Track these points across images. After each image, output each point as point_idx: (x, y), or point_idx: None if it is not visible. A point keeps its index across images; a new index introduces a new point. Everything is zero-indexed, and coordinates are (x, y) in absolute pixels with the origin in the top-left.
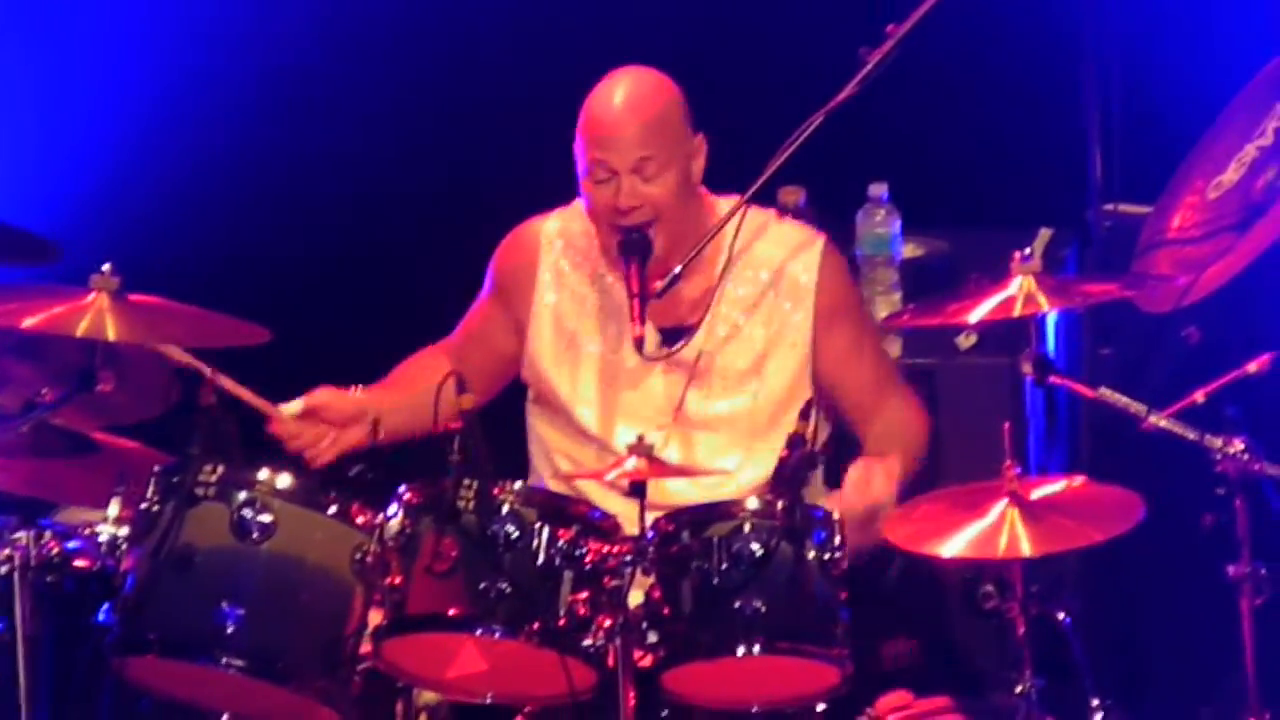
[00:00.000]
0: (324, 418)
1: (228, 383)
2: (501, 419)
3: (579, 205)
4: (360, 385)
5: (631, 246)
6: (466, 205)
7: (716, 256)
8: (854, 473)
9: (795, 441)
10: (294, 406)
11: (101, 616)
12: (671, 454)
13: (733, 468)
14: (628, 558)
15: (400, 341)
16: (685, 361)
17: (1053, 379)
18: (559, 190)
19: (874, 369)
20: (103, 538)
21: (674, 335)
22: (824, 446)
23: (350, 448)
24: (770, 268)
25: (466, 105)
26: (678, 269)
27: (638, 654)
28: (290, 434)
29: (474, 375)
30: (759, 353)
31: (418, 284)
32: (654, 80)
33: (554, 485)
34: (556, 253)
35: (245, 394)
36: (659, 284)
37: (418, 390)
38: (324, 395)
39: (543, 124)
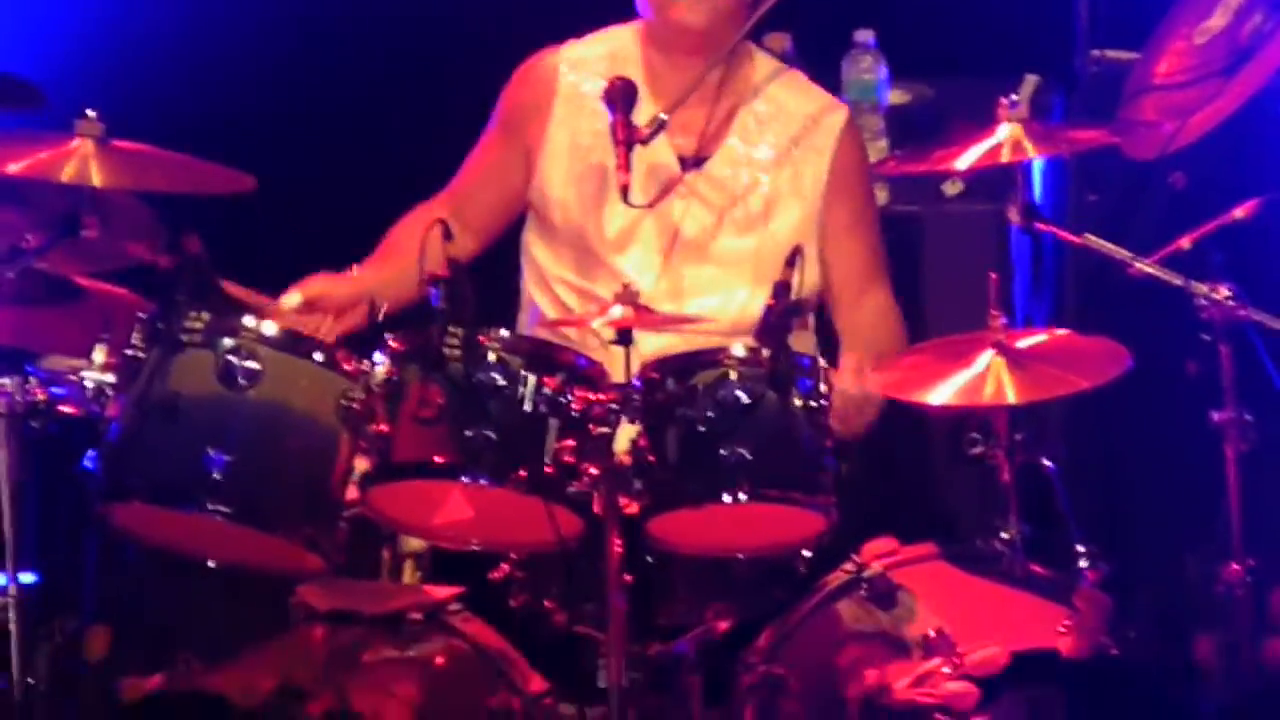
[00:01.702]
0: (322, 307)
1: (230, 286)
2: (490, 275)
3: (595, 34)
4: (355, 265)
5: (614, 94)
6: (457, 52)
7: (740, 88)
8: (848, 360)
9: (781, 289)
10: (292, 300)
11: (86, 463)
12: (664, 286)
13: (720, 304)
14: (614, 406)
15: (389, 193)
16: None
17: (1039, 226)
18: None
19: (867, 255)
20: (88, 384)
21: (693, 163)
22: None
23: (350, 331)
24: (792, 119)
25: None
26: (664, 116)
27: (624, 501)
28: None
29: (477, 217)
30: (767, 197)
31: (409, 135)
32: None
33: (541, 332)
34: (573, 79)
35: (241, 292)
36: (645, 130)
37: (414, 258)
38: (320, 284)
39: None
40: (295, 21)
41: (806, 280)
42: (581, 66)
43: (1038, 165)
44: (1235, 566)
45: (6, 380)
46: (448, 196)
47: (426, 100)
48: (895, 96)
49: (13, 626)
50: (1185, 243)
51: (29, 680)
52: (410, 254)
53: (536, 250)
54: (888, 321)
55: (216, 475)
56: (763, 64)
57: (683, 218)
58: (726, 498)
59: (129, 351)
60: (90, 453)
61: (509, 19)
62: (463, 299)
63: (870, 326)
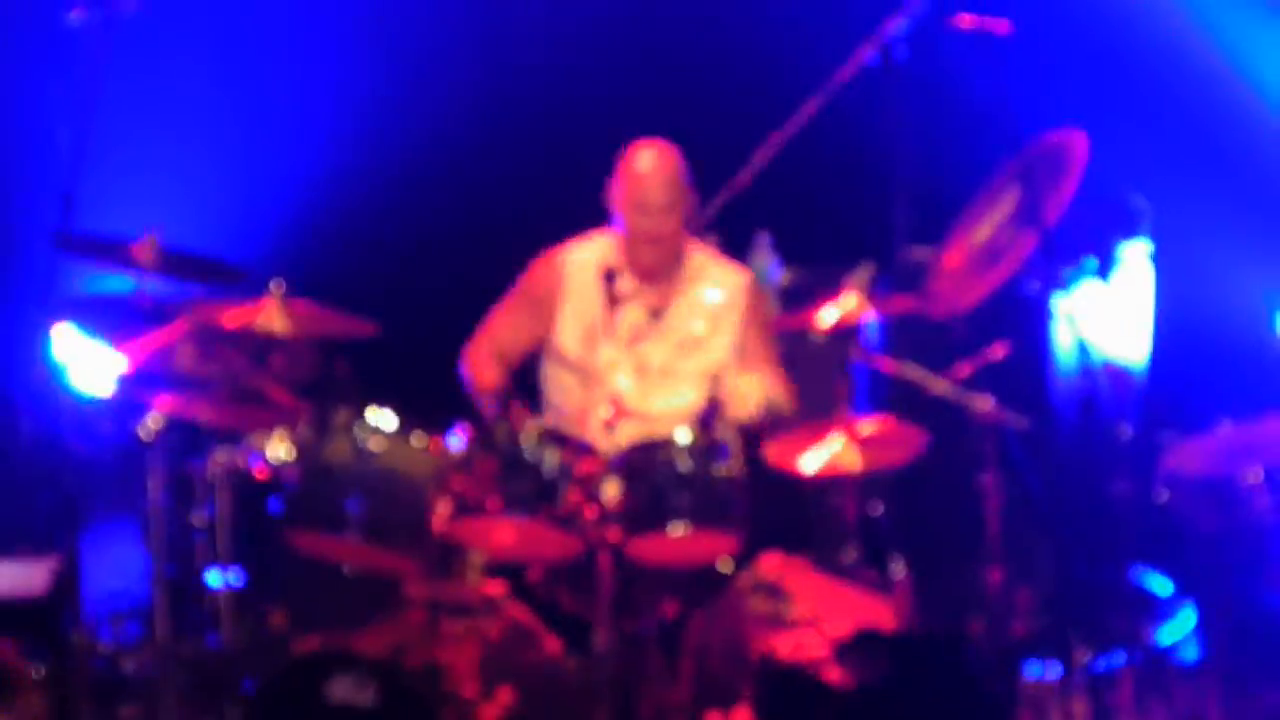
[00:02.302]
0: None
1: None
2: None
3: (588, 240)
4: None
5: (607, 276)
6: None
7: (681, 273)
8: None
9: (710, 402)
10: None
11: (273, 506)
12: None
13: (683, 402)
14: (603, 469)
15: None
16: (658, 328)
17: (873, 358)
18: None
19: (765, 352)
20: (274, 456)
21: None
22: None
23: None
24: (719, 282)
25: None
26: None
27: (610, 531)
28: None
29: (508, 354)
30: (704, 334)
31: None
32: (673, 153)
33: (554, 420)
34: (576, 270)
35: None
36: (624, 293)
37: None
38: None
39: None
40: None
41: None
42: (582, 263)
43: (872, 322)
44: (994, 572)
45: (224, 452)
46: (486, 340)
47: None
48: (783, 277)
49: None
50: (964, 370)
51: (236, 641)
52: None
53: (551, 372)
54: (785, 388)
55: (354, 514)
56: (697, 251)
57: (649, 351)
58: (672, 529)
59: (298, 436)
60: (275, 498)
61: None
62: (507, 407)
63: (775, 384)
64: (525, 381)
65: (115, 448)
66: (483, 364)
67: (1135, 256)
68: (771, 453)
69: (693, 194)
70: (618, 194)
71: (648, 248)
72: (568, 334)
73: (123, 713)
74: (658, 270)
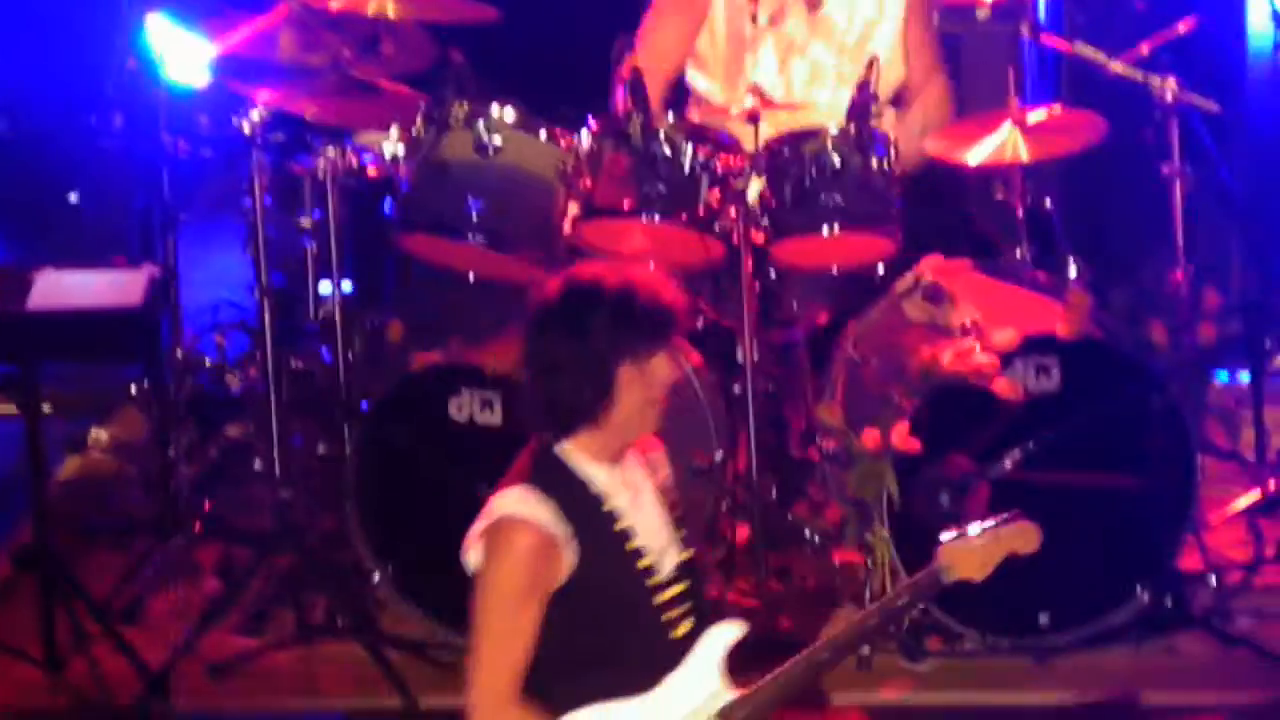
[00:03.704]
0: None
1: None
2: None
3: None
4: None
5: None
6: None
7: None
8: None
9: (863, 85)
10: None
11: (386, 208)
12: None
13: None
14: (747, 167)
15: None
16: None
17: (1043, 37)
18: None
19: (930, 56)
20: (387, 153)
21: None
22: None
23: None
24: None
25: None
26: None
27: (754, 233)
28: None
29: (664, 62)
30: (863, 30)
31: None
32: None
33: (697, 116)
34: None
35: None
36: None
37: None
38: None
39: None
40: None
41: (884, 80)
42: None
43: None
44: (1179, 272)
45: (332, 150)
46: (642, 54)
47: None
48: None
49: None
50: (1144, 49)
51: (349, 355)
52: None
53: (694, 76)
54: (944, 101)
55: (474, 215)
56: None
57: (799, 38)
58: (825, 230)
59: (414, 130)
60: (388, 200)
61: None
62: (641, 97)
63: (934, 104)
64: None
65: (214, 146)
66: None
67: None
68: (931, 145)
69: None
70: None
71: None
72: (716, 31)
73: (228, 430)
74: None
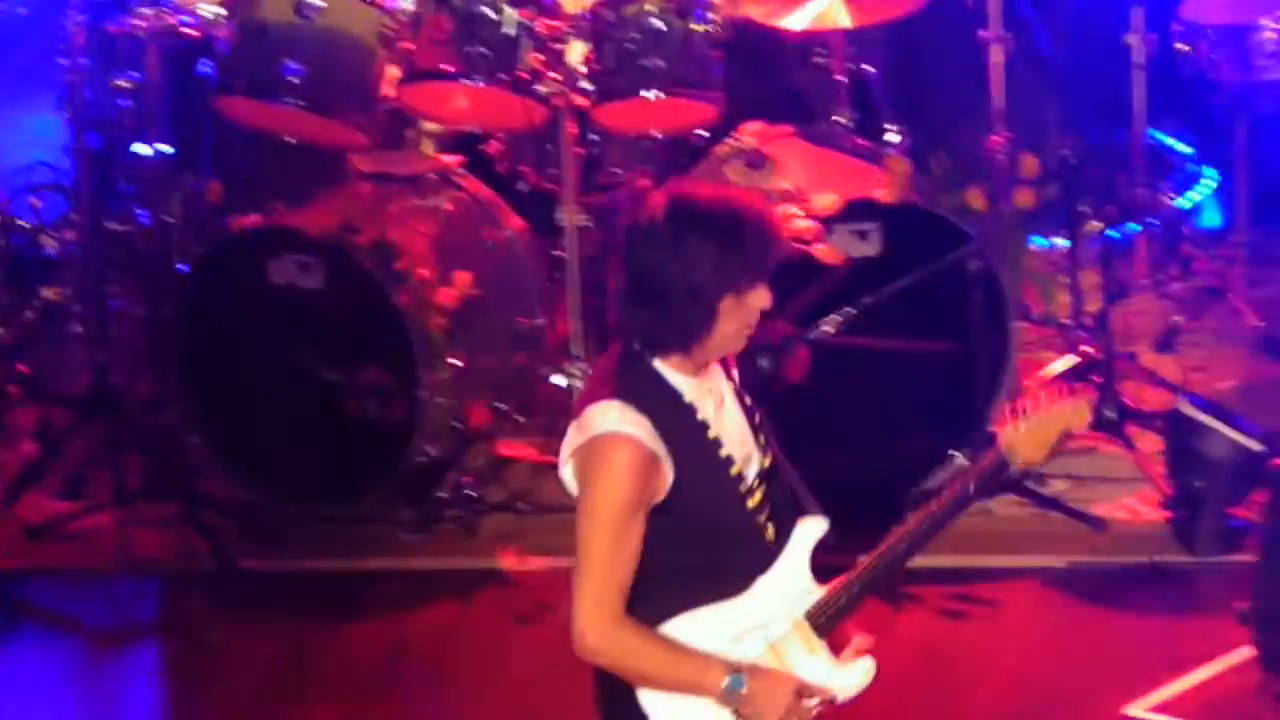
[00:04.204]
0: None
1: None
2: None
3: None
4: None
5: None
6: None
7: None
8: None
9: None
10: None
11: (204, 69)
12: None
13: None
14: (568, 29)
15: None
16: None
17: None
18: None
19: None
20: (206, 15)
21: None
22: None
23: None
24: None
25: None
26: None
27: (576, 97)
28: None
29: None
30: None
31: None
32: None
33: None
34: None
35: None
36: None
37: None
38: None
39: None
40: None
41: None
42: None
43: None
44: (997, 138)
45: (148, 10)
46: None
47: None
48: None
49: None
50: None
51: (167, 217)
52: None
53: None
54: None
55: (293, 78)
56: None
57: None
58: (645, 94)
59: None
60: (207, 62)
61: None
62: None
63: None
64: None
65: (28, 3)
66: None
67: None
68: (753, 9)
69: None
70: None
71: None
72: None
73: (45, 293)
74: None
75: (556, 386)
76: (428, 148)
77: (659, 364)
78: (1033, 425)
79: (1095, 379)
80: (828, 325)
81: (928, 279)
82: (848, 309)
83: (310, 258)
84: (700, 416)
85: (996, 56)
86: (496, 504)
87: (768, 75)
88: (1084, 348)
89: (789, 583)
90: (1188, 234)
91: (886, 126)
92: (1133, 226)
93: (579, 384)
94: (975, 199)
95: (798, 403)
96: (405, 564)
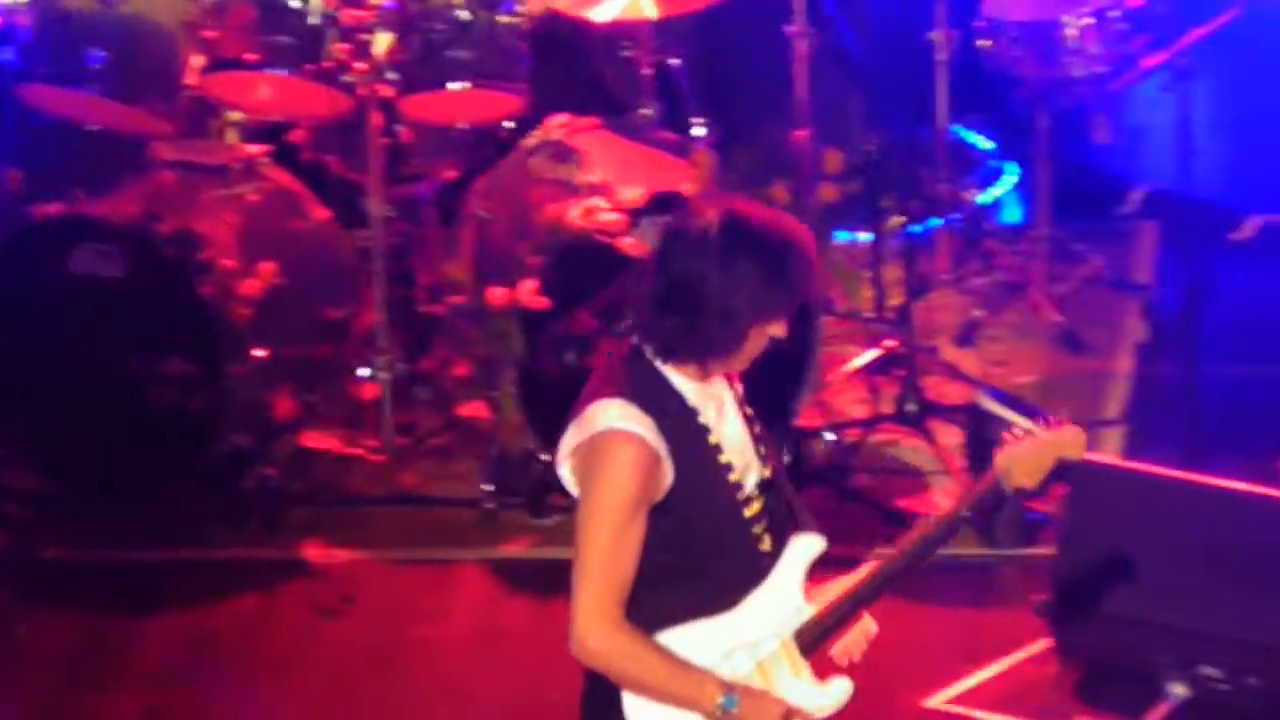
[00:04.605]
0: None
1: None
2: None
3: None
4: None
5: None
6: None
7: None
8: None
9: None
10: None
11: (5, 57)
12: None
13: None
14: (374, 19)
15: None
16: None
17: None
18: None
19: None
20: (5, 0)
21: None
22: None
23: None
24: None
25: None
26: None
27: (382, 87)
28: None
29: None
30: None
31: None
32: None
33: None
34: None
35: None
36: None
37: None
38: None
39: None
40: None
41: None
42: None
43: None
44: (801, 133)
45: None
46: None
47: None
48: None
49: None
50: None
51: None
52: None
53: None
54: None
55: (95, 65)
56: None
57: None
58: (452, 85)
59: None
60: (7, 48)
61: None
62: None
63: None
64: None
65: None
66: None
67: None
68: (559, 1)
69: None
70: None
71: None
72: None
73: None
74: None
75: (362, 378)
76: (232, 137)
77: (665, 368)
78: (1030, 451)
79: (897, 373)
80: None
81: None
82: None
83: (112, 246)
84: (702, 421)
85: (801, 51)
86: (301, 495)
87: (574, 67)
88: (886, 342)
89: (780, 600)
90: (989, 229)
91: (692, 120)
92: (935, 221)
93: (385, 376)
94: (779, 193)
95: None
96: (208, 554)
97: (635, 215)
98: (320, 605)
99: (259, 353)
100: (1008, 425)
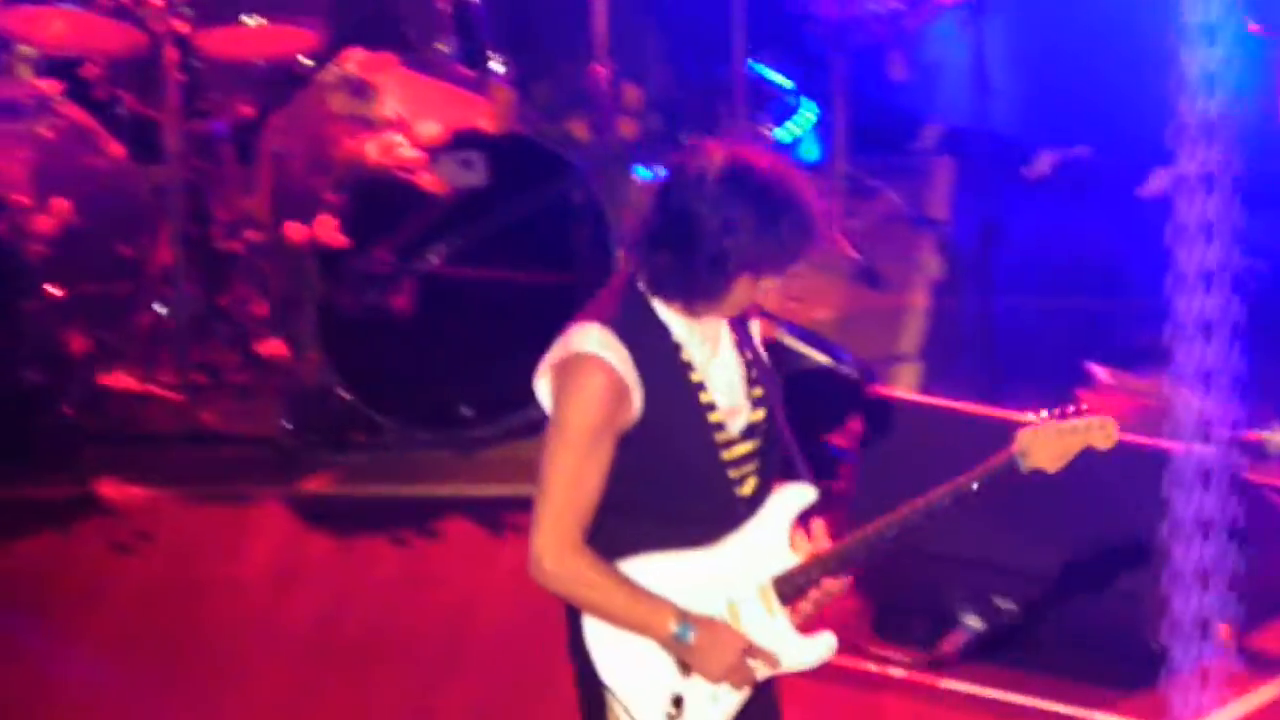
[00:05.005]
0: None
1: None
2: None
3: None
4: None
5: None
6: None
7: None
8: None
9: None
10: None
11: None
12: None
13: None
14: None
15: None
16: None
17: None
18: None
19: None
20: None
21: None
22: None
23: None
24: None
25: None
26: None
27: (176, 22)
28: None
29: None
30: None
31: None
32: None
33: None
34: None
35: None
36: None
37: None
38: None
39: None
40: None
41: None
42: None
43: None
44: (599, 68)
45: None
46: None
47: None
48: None
49: None
50: None
51: None
52: None
53: None
54: None
55: None
56: None
57: None
58: (246, 19)
59: None
60: None
61: None
62: None
63: None
64: None
65: None
66: None
67: None
68: None
69: None
70: None
71: None
72: None
73: None
74: None
75: (158, 315)
76: (24, 72)
77: (655, 301)
78: (1055, 434)
79: None
80: (433, 256)
81: (532, 209)
82: (453, 239)
83: None
84: (685, 357)
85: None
86: (97, 433)
87: (370, 2)
88: None
89: (762, 545)
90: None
91: (490, 55)
92: None
93: (181, 313)
94: (579, 129)
95: (403, 334)
96: (2, 493)
97: (434, 152)
98: (116, 543)
99: (53, 290)
100: (806, 359)
